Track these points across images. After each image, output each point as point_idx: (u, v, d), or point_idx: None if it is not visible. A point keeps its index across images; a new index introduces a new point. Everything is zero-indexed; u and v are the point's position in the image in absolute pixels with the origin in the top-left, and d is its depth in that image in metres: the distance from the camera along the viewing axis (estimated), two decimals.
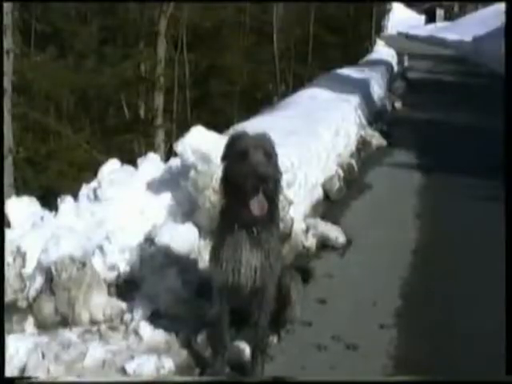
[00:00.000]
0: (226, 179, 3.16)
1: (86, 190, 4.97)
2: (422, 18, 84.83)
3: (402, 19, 76.35)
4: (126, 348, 3.59)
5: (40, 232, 4.32)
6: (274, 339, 3.73)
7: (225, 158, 3.20)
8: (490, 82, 19.69)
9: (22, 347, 3.45)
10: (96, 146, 14.44)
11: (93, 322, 3.87)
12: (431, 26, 69.27)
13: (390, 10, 44.92)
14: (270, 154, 3.09)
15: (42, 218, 4.59)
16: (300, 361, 3.64)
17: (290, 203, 5.14)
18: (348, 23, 28.00)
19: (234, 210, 3.16)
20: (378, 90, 15.06)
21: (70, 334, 3.70)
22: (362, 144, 9.80)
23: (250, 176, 2.98)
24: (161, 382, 3.41)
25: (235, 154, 3.09)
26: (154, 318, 3.87)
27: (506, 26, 8.40)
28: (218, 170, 4.50)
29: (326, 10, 25.87)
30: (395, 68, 24.28)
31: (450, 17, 75.80)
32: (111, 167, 5.25)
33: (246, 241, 3.19)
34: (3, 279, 3.82)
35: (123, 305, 4.00)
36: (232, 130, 7.24)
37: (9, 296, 3.98)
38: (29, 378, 3.28)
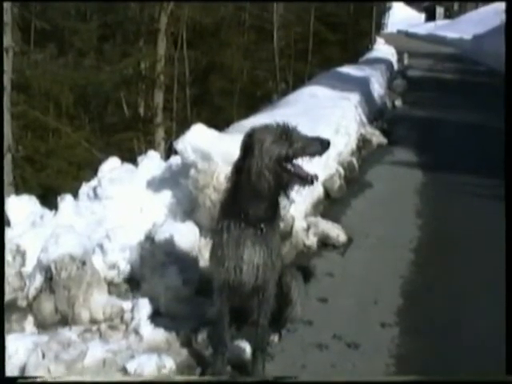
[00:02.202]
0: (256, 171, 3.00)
1: (85, 188, 4.96)
2: (422, 16, 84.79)
3: (401, 17, 76.34)
4: (127, 347, 3.58)
5: (40, 231, 4.31)
6: (274, 338, 3.72)
7: (251, 148, 3.00)
8: (489, 80, 19.68)
9: (21, 347, 3.43)
10: (96, 144, 14.44)
11: (93, 321, 3.85)
12: (431, 24, 69.23)
13: (389, 8, 44.99)
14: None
15: (41, 217, 4.58)
16: (301, 360, 3.62)
17: (291, 202, 5.12)
18: (348, 21, 28.00)
19: (241, 207, 3.11)
20: (378, 88, 15.04)
21: (70, 334, 3.68)
22: (363, 142, 9.78)
23: (315, 146, 3.04)
24: (161, 381, 3.40)
25: (276, 134, 3.00)
26: (155, 317, 3.85)
27: (507, 25, 8.44)
28: (218, 168, 4.52)
29: (326, 8, 25.88)
30: (395, 66, 24.28)
31: (449, 15, 75.72)
32: (111, 165, 5.25)
33: (247, 238, 3.17)
34: (3, 278, 3.80)
35: (123, 304, 3.98)
36: (232, 128, 7.23)
37: (8, 295, 3.95)
38: (29, 377, 3.27)
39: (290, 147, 3.00)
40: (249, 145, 3.04)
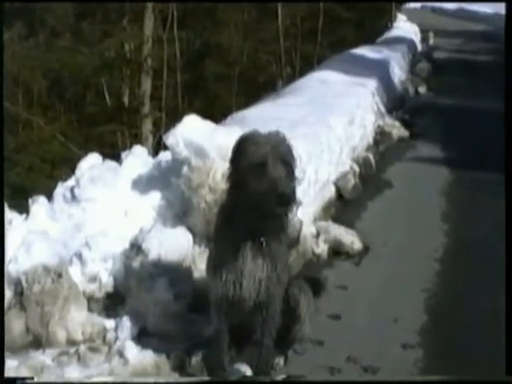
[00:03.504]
0: (237, 186, 3.13)
1: (61, 188, 4.96)
2: None
3: None
4: (109, 372, 3.59)
5: (8, 238, 4.31)
6: (279, 361, 3.73)
7: (236, 162, 3.14)
8: None
9: None
10: (73, 138, 14.45)
11: (70, 343, 3.86)
12: None
13: None
14: (290, 164, 3.08)
15: (10, 222, 4.58)
16: None
17: (299, 204, 5.13)
18: None
19: (240, 217, 3.15)
20: (398, 72, 15.05)
21: (44, 357, 3.70)
22: (381, 135, 9.80)
23: (271, 198, 2.96)
24: (162, 381, 3.46)
25: (250, 164, 3.04)
26: (142, 337, 3.87)
27: (506, 25, 8.69)
28: (214, 165, 4.53)
29: None
30: (419, 47, 24.29)
31: None
32: (91, 162, 5.25)
33: (248, 250, 3.19)
34: (3, 278, 3.82)
35: (106, 322, 4.00)
36: (230, 120, 7.24)
37: None
38: (29, 378, 3.32)
39: (259, 186, 3.00)
40: (234, 153, 3.16)
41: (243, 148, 3.12)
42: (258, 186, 2.99)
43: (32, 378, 3.31)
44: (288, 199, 2.97)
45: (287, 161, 3.07)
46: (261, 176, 2.99)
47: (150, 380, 3.44)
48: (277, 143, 3.09)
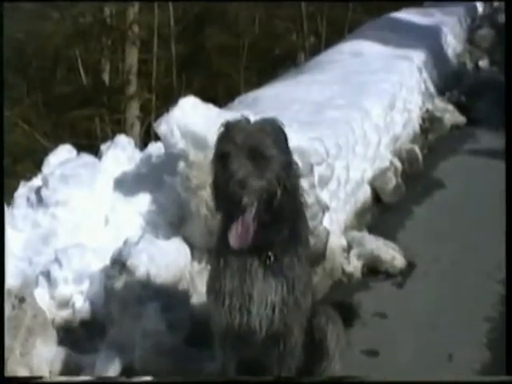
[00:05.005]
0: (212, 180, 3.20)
1: (24, 189, 4.99)
2: None
3: None
4: None
5: None
6: None
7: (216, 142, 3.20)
8: None
9: None
10: (39, 125, 14.45)
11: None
12: None
13: None
14: (265, 156, 3.02)
15: None
16: None
17: (325, 209, 5.14)
18: None
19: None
20: (453, 41, 15.01)
21: None
22: (430, 122, 9.78)
23: (227, 193, 2.99)
24: (161, 381, 3.59)
25: (216, 154, 3.11)
26: (127, 376, 3.87)
27: (506, 25, 8.95)
28: None
29: None
30: (479, 9, 24.18)
31: None
32: (62, 156, 5.27)
33: (256, 267, 3.20)
34: (4, 277, 3.85)
35: (81, 358, 4.01)
36: (238, 102, 7.25)
37: None
38: (29, 377, 3.55)
39: (221, 180, 3.06)
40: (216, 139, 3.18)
41: (218, 136, 3.16)
42: (219, 180, 3.06)
43: (33, 378, 3.53)
44: (239, 198, 2.96)
45: (260, 153, 3.01)
46: (222, 168, 3.03)
47: (149, 380, 3.48)
48: (252, 131, 3.07)
